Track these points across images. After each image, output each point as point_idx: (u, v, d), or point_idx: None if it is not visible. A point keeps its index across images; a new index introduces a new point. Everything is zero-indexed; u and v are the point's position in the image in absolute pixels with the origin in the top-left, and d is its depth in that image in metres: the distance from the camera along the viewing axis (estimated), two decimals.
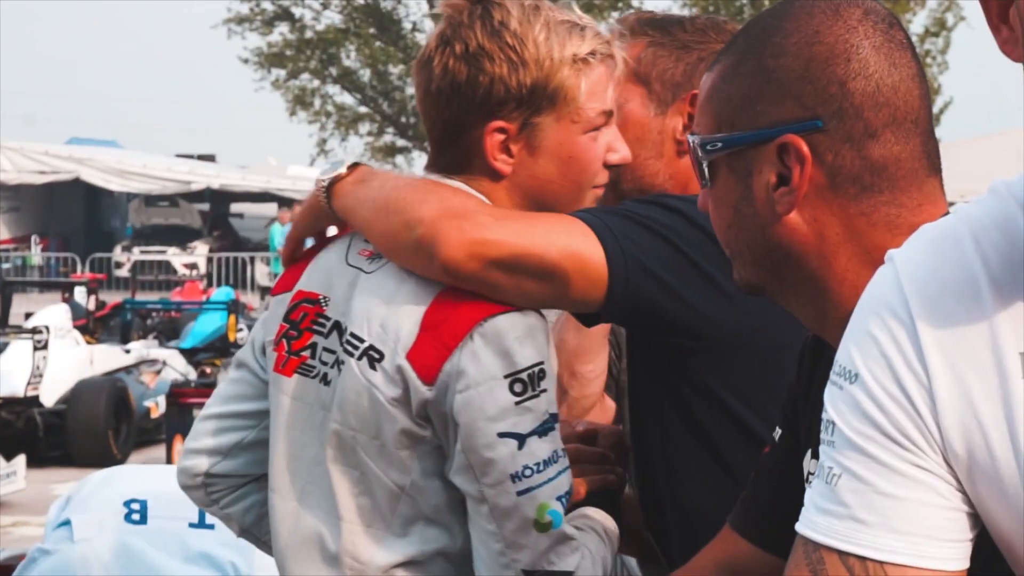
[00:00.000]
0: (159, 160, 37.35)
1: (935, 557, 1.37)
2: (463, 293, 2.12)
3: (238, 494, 2.41)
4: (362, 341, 2.15)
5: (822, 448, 1.45)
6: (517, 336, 2.10)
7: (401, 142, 44.48)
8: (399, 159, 44.17)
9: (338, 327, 2.21)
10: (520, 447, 2.08)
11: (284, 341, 2.27)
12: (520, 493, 2.08)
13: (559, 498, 2.11)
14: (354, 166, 2.28)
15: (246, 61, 42.70)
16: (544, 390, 2.11)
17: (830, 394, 1.46)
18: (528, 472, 2.08)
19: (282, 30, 42.84)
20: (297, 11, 42.77)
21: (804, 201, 1.68)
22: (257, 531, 2.43)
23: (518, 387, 2.09)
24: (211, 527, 3.99)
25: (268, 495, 2.29)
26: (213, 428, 2.38)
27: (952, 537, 1.38)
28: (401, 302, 2.14)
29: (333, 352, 2.21)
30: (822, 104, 1.66)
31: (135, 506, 3.99)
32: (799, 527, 1.45)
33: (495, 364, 2.09)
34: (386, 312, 2.15)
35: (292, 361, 2.24)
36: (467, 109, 2.18)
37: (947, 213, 1.68)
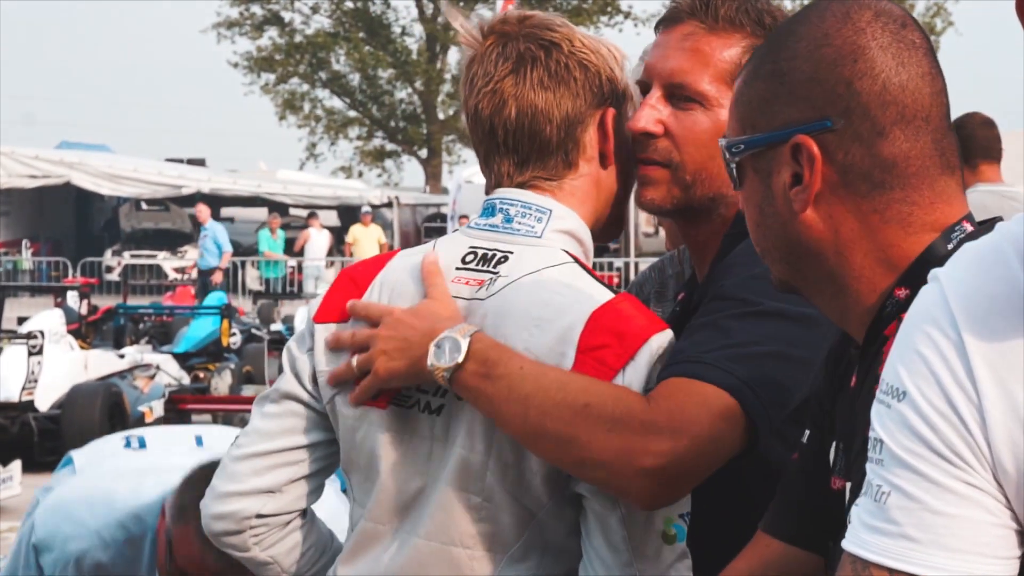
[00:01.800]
0: (149, 164, 37.24)
1: (986, 575, 1.38)
2: (618, 312, 2.12)
3: (284, 531, 2.32)
4: None
5: (869, 466, 1.46)
6: None
7: (390, 146, 44.50)
8: (388, 163, 44.25)
9: None
10: None
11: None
12: None
13: (681, 515, 2.13)
14: (470, 345, 2.10)
15: (236, 65, 42.74)
16: None
17: (877, 412, 1.46)
18: None
19: (272, 34, 42.90)
20: (287, 15, 42.85)
21: (819, 199, 1.72)
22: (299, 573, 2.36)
23: None
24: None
25: (367, 526, 2.23)
26: (259, 467, 2.28)
27: (1002, 554, 1.39)
28: (547, 326, 2.12)
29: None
30: (830, 104, 1.71)
31: (134, 441, 4.11)
32: (846, 544, 1.46)
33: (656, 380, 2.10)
34: (529, 336, 2.11)
35: (385, 393, 2.19)
36: None
37: (967, 213, 1.71)
